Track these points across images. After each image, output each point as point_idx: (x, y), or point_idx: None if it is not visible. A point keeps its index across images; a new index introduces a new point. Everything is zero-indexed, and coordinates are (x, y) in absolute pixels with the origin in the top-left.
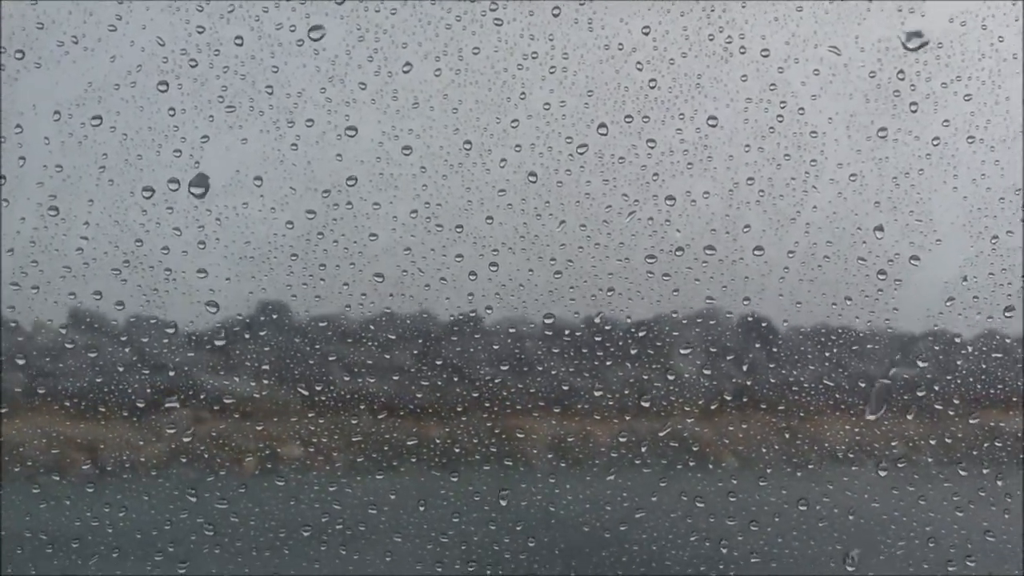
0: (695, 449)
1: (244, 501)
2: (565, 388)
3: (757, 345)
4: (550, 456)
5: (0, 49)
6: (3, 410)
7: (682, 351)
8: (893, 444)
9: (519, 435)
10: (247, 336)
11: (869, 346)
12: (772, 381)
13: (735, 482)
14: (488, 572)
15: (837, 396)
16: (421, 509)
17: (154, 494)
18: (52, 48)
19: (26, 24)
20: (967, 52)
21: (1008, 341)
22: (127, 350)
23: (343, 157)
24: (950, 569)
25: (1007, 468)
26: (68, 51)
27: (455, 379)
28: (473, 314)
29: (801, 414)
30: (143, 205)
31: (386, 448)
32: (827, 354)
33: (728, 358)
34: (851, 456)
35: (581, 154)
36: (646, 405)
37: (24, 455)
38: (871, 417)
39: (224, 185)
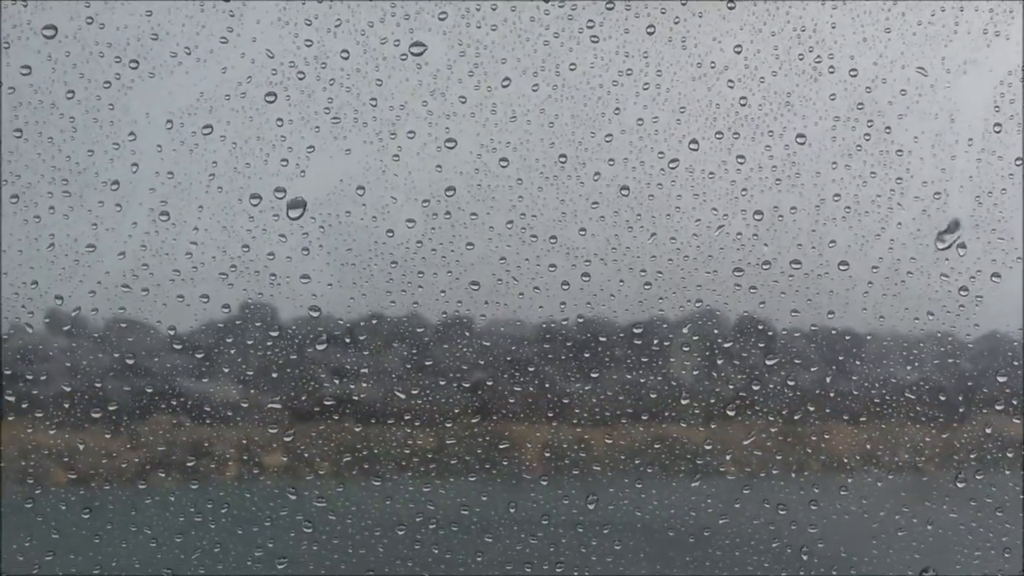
0: (778, 455)
1: (341, 500)
2: (653, 396)
3: (840, 357)
4: (640, 460)
5: (116, 59)
6: (112, 408)
7: (767, 361)
8: (974, 453)
9: (607, 440)
10: (347, 340)
11: (951, 360)
12: (855, 393)
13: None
14: None
15: (918, 408)
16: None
17: (256, 491)
18: (166, 59)
19: (141, 35)
20: None
21: None
22: (232, 352)
23: (442, 168)
24: None
25: None
26: (181, 62)
27: (541, 383)
28: (565, 322)
29: (884, 424)
30: (250, 212)
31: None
32: (908, 368)
33: (812, 369)
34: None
35: (672, 169)
36: (731, 414)
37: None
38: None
39: (328, 194)
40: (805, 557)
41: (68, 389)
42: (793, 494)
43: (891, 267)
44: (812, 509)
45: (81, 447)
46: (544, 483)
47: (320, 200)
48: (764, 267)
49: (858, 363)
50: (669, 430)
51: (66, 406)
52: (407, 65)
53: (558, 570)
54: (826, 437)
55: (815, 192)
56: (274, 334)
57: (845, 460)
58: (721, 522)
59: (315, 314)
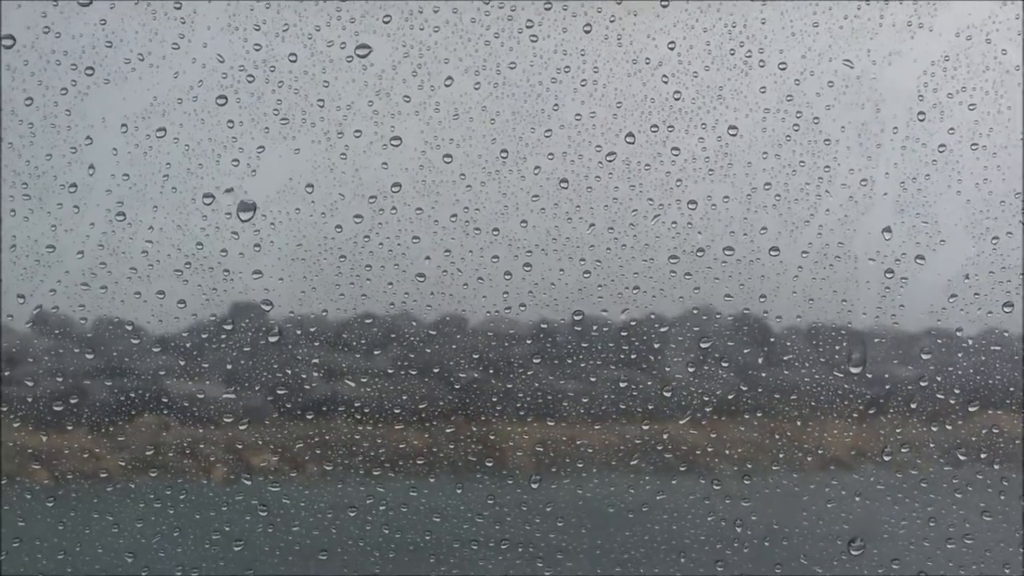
0: (713, 433)
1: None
2: (592, 380)
3: (771, 340)
4: (584, 442)
5: (71, 66)
6: (71, 401)
7: (702, 344)
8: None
9: (549, 423)
10: (298, 332)
11: (876, 340)
12: (786, 374)
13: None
14: None
15: (846, 385)
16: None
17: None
18: (120, 65)
19: (96, 43)
20: (972, 64)
21: (1007, 335)
22: (187, 345)
23: (388, 165)
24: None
25: (1006, 461)
26: (135, 68)
27: (490, 372)
28: (508, 309)
29: (805, 410)
30: (203, 211)
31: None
32: (836, 347)
33: (745, 351)
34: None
35: (610, 161)
36: (667, 395)
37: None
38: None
39: (278, 192)
40: (739, 529)
41: (31, 384)
42: (727, 470)
43: (820, 252)
44: (745, 483)
45: (45, 440)
46: (489, 464)
47: (271, 198)
48: (698, 254)
49: (789, 344)
50: (609, 412)
51: (29, 400)
52: (353, 66)
53: (503, 547)
54: (758, 415)
55: (747, 181)
56: (228, 327)
57: (776, 437)
58: (659, 498)
59: (267, 308)
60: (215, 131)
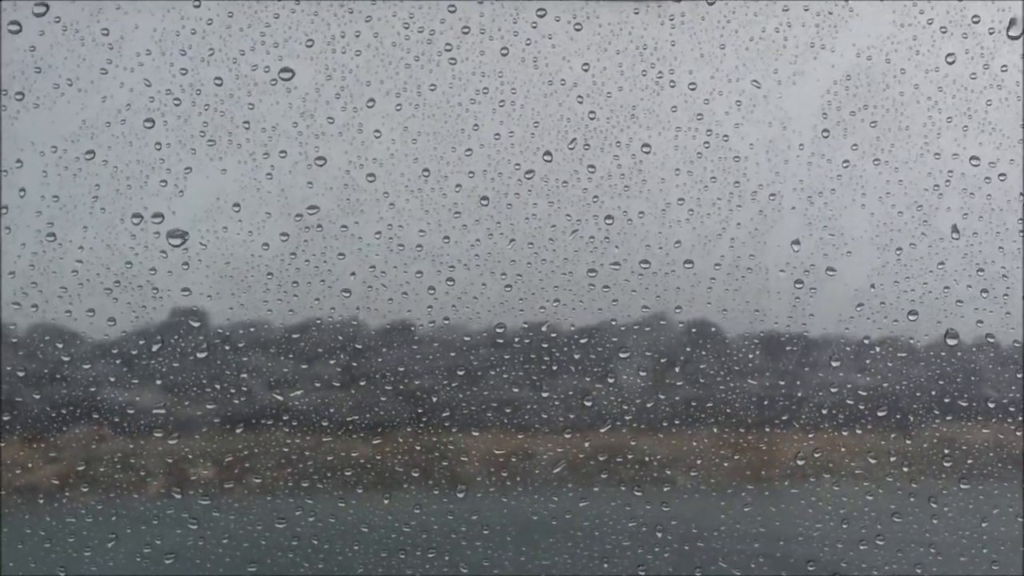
0: (633, 442)
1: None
2: (515, 390)
3: (688, 349)
4: (507, 451)
5: (3, 92)
6: (4, 418)
7: (621, 355)
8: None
9: (474, 434)
10: (227, 348)
11: (788, 348)
12: (702, 382)
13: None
14: None
15: (760, 393)
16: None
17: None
18: (49, 90)
19: (25, 68)
20: (873, 83)
21: (912, 342)
22: (117, 362)
23: (313, 184)
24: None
25: (915, 463)
26: (63, 92)
27: (416, 384)
28: (432, 323)
29: (720, 418)
30: (132, 230)
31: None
32: (751, 356)
33: (662, 361)
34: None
35: (528, 179)
36: (588, 404)
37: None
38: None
39: (206, 211)
40: (659, 535)
41: None
42: (647, 477)
43: (732, 264)
44: (665, 490)
45: None
46: (416, 475)
47: (198, 217)
48: (615, 267)
49: (704, 353)
50: (532, 421)
51: None
52: (277, 89)
53: (429, 555)
54: (676, 422)
55: (661, 197)
56: (156, 346)
57: (694, 444)
58: (581, 505)
59: (196, 324)
60: (143, 153)
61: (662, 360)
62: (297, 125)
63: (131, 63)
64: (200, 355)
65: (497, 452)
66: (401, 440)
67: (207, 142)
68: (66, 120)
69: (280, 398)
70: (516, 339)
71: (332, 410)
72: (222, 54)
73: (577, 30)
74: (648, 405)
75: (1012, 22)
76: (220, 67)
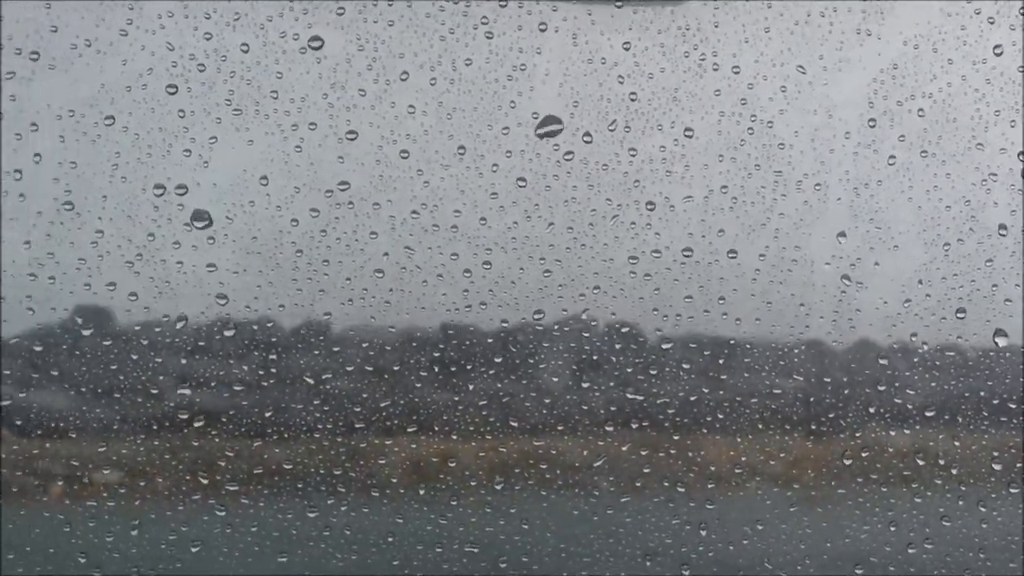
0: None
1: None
2: (555, 379)
3: (732, 342)
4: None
5: (16, 51)
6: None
7: (663, 346)
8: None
9: (512, 423)
10: (255, 327)
11: (834, 344)
12: (746, 377)
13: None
14: None
15: (813, 393)
16: None
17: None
18: (66, 51)
19: (40, 27)
20: (920, 73)
21: (960, 341)
22: (144, 341)
23: (344, 160)
24: None
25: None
26: (81, 54)
27: (453, 371)
28: (468, 308)
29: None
30: (155, 202)
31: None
32: (796, 352)
33: (705, 354)
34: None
35: (568, 160)
36: (630, 396)
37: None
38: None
39: (232, 184)
40: (703, 533)
41: None
42: (691, 474)
43: (776, 255)
44: (710, 487)
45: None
46: (452, 466)
47: (224, 190)
48: (656, 255)
49: (749, 347)
50: (571, 413)
51: None
52: (306, 58)
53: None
54: (721, 418)
55: (703, 183)
56: (180, 325)
57: (739, 440)
58: (623, 500)
59: (222, 302)
60: (166, 120)
61: (705, 353)
62: (327, 96)
63: (153, 25)
64: (227, 334)
65: (536, 444)
66: (437, 428)
67: (233, 111)
68: (84, 83)
69: (311, 381)
70: (555, 327)
71: (365, 395)
72: (249, 19)
73: (618, 7)
74: (691, 399)
75: None
76: (247, 32)
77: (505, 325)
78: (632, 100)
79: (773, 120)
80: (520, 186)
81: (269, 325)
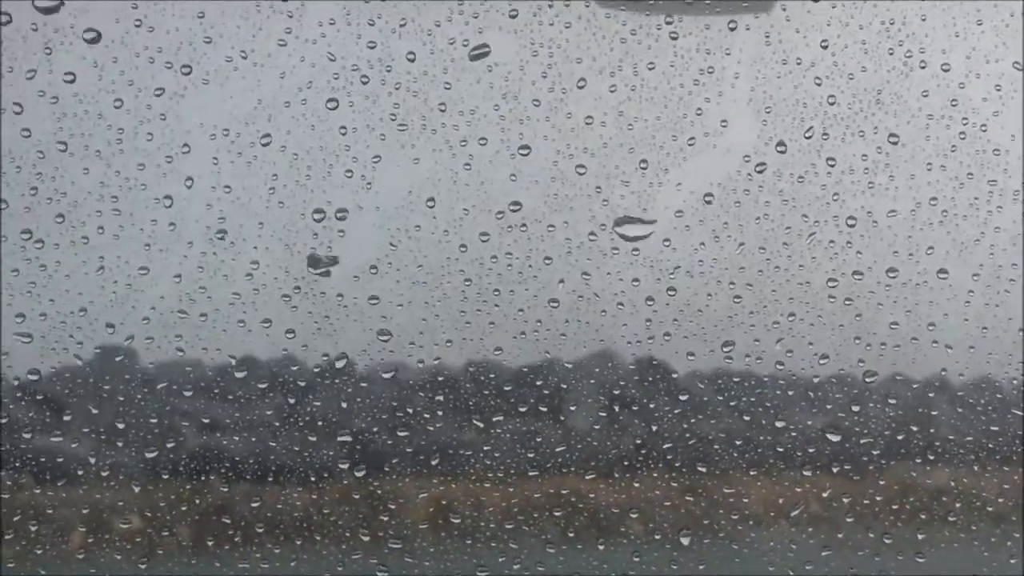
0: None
1: None
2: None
3: (943, 373)
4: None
5: (166, 65)
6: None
7: (867, 380)
8: None
9: (700, 468)
10: (419, 363)
11: None
12: (960, 412)
13: None
14: None
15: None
16: None
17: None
18: (220, 64)
19: (193, 39)
20: None
21: None
22: (301, 383)
23: (517, 177)
24: None
25: None
26: (237, 67)
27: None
28: (651, 339)
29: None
30: (314, 228)
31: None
32: (1015, 380)
33: (914, 386)
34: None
35: (759, 173)
36: (833, 439)
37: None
38: None
39: (396, 207)
40: None
41: (122, 426)
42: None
43: (992, 275)
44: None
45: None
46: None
47: (388, 213)
48: (858, 277)
49: (961, 376)
50: (765, 456)
51: (120, 445)
52: (477, 67)
53: None
54: (930, 458)
55: (910, 195)
56: (340, 364)
57: (952, 483)
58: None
59: (385, 339)
60: (326, 138)
61: (914, 385)
62: (499, 108)
63: (313, 33)
64: (386, 376)
65: (728, 490)
66: (618, 475)
67: (398, 127)
68: (239, 99)
69: (480, 424)
70: (746, 357)
71: (540, 439)
72: (415, 24)
73: (815, 1)
74: (898, 438)
75: None
76: (413, 40)
77: (692, 359)
78: (831, 104)
79: (987, 123)
80: (707, 203)
81: (435, 362)
